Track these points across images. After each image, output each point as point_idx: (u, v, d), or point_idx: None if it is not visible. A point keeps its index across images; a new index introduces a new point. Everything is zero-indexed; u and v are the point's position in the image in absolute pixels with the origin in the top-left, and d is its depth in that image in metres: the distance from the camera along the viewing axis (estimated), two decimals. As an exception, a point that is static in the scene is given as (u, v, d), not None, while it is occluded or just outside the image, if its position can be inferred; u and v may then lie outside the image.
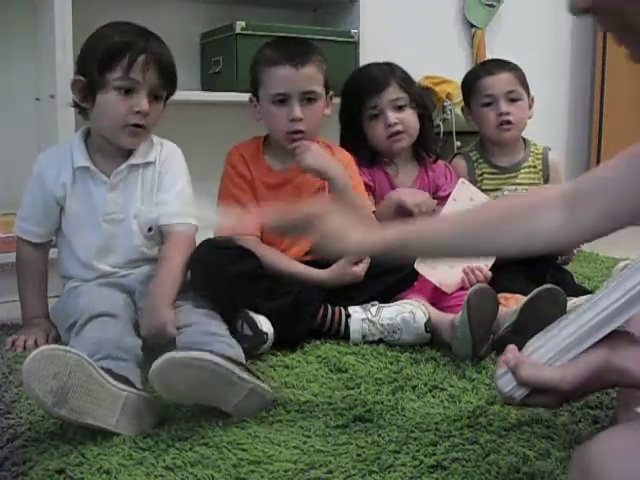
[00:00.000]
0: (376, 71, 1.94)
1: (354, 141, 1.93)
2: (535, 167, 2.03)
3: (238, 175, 1.73)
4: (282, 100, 1.68)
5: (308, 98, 1.69)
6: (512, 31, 3.21)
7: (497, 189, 2.00)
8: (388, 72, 1.92)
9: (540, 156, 2.04)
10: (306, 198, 1.76)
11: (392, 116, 1.88)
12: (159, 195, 1.58)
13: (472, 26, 3.14)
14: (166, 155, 1.60)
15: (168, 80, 1.52)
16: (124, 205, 1.56)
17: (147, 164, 1.57)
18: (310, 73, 1.69)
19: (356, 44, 2.41)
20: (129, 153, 1.56)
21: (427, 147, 1.99)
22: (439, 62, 2.77)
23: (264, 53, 1.74)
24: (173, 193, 1.58)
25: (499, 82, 1.98)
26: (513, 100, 1.98)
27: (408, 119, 1.91)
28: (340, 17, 2.54)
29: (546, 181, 2.04)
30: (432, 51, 2.89)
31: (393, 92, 1.90)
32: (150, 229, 1.59)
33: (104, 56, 1.45)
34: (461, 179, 1.83)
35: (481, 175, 2.02)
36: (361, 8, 2.45)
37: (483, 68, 2.08)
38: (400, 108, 1.90)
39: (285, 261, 1.66)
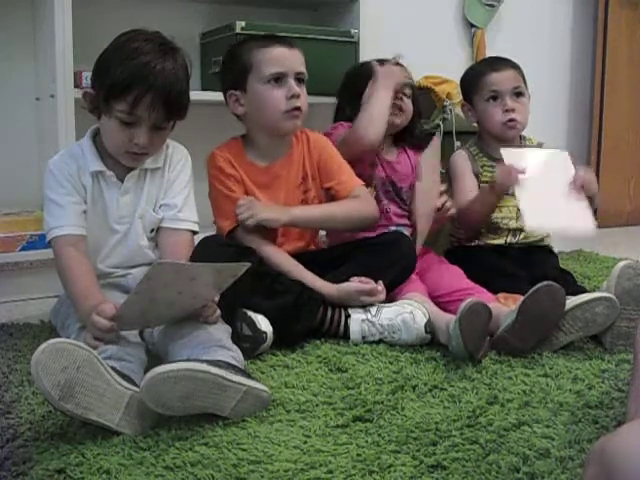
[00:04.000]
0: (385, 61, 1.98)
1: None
2: None
3: (227, 176, 1.71)
4: (277, 79, 1.69)
5: (299, 79, 1.72)
6: (512, 31, 3.21)
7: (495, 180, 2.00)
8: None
9: None
10: (292, 190, 1.76)
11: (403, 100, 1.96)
12: (168, 198, 1.58)
13: (472, 26, 3.14)
14: (177, 160, 1.60)
15: (175, 112, 1.46)
16: (133, 208, 1.56)
17: (156, 168, 1.57)
18: (300, 55, 1.74)
19: (356, 44, 2.41)
20: None
21: (415, 134, 2.06)
22: (439, 62, 2.76)
23: (247, 43, 1.76)
24: (181, 198, 1.58)
25: (505, 78, 1.98)
26: (517, 95, 1.98)
27: (410, 105, 1.98)
28: (340, 17, 2.54)
29: None
30: (432, 51, 2.89)
31: (404, 72, 1.97)
32: (152, 230, 1.59)
33: (111, 87, 1.41)
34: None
35: (482, 167, 2.02)
36: (361, 8, 2.45)
37: (486, 64, 2.07)
38: (404, 94, 1.97)
39: (294, 268, 1.64)
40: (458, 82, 2.18)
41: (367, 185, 1.86)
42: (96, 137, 1.55)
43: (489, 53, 3.06)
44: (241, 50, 1.75)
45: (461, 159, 2.04)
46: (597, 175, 3.49)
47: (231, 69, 1.77)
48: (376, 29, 2.54)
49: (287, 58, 1.70)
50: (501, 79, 1.98)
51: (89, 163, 1.52)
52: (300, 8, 2.63)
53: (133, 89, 1.39)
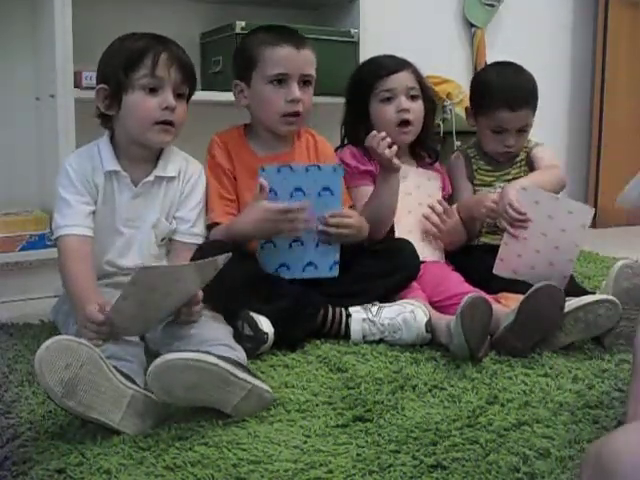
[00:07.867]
0: (391, 58, 1.93)
1: (359, 129, 1.88)
2: (522, 160, 2.03)
3: (216, 165, 1.70)
4: (280, 80, 1.67)
5: (305, 81, 1.69)
6: (512, 31, 3.21)
7: (489, 185, 1.99)
8: (403, 61, 1.92)
9: (528, 149, 2.04)
10: None
11: (405, 102, 1.87)
12: (182, 212, 1.61)
13: (472, 26, 3.15)
14: (192, 172, 1.64)
15: (189, 77, 1.55)
16: (143, 213, 1.58)
17: (171, 178, 1.60)
18: (309, 56, 1.70)
19: (356, 44, 2.42)
20: (156, 160, 1.59)
21: (427, 146, 1.99)
22: (439, 62, 2.76)
23: (258, 36, 1.73)
24: (194, 214, 1.62)
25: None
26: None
27: (418, 110, 1.89)
28: (340, 17, 2.54)
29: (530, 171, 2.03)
30: (432, 51, 2.89)
31: (409, 78, 1.89)
32: (163, 239, 1.61)
33: (129, 57, 1.49)
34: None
35: (476, 170, 2.02)
36: (361, 8, 2.45)
37: (498, 74, 2.00)
38: (413, 98, 1.89)
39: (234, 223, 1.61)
40: (458, 82, 2.17)
41: None
42: (112, 139, 1.57)
43: (489, 53, 3.07)
44: (251, 42, 1.73)
45: (455, 162, 2.05)
46: (597, 175, 3.49)
47: (239, 60, 1.76)
48: (376, 29, 2.55)
49: (293, 60, 1.67)
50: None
51: (105, 162, 1.54)
52: (300, 8, 2.63)
53: (149, 52, 1.49)
